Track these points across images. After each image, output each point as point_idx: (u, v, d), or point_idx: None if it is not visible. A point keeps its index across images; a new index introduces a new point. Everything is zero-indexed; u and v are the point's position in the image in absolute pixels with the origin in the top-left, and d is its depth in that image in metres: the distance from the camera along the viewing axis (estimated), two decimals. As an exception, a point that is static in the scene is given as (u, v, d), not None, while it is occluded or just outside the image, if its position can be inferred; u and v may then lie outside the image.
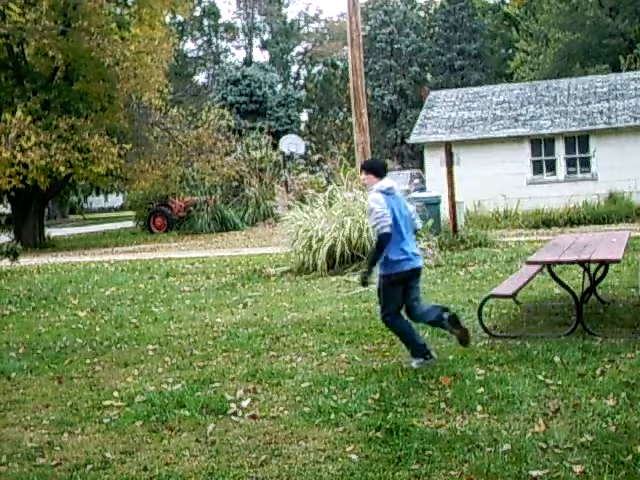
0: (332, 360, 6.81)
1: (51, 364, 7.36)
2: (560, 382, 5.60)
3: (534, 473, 4.10)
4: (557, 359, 6.18)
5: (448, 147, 16.08)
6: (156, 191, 28.68)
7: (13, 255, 16.10)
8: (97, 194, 47.74)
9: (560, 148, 23.10)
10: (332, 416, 5.20)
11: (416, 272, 6.29)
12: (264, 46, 67.84)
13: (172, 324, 9.17)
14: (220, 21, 66.69)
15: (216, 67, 61.82)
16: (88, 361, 7.41)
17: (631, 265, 10.79)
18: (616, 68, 35.05)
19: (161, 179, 25.71)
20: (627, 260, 10.62)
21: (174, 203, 29.53)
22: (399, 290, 6.20)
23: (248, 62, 61.39)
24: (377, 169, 6.47)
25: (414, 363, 6.25)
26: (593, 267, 8.10)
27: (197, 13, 61.86)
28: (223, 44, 69.11)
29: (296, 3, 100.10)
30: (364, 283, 6.37)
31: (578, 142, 22.96)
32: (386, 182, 6.34)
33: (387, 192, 6.23)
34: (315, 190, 14.80)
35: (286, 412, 5.42)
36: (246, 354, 7.24)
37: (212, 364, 6.95)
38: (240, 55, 70.33)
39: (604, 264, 8.05)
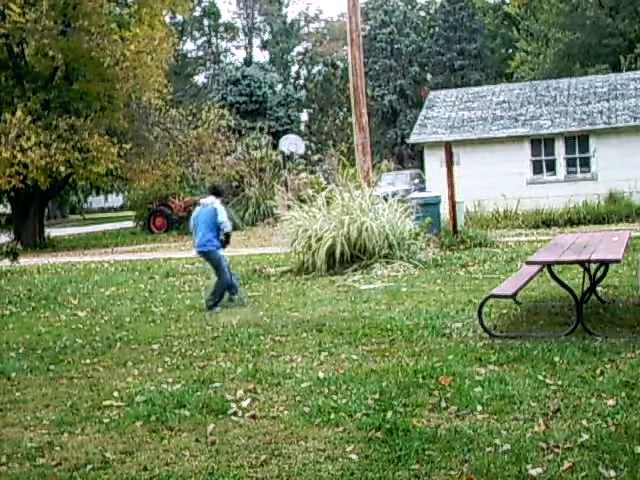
0: (332, 360, 6.80)
1: (51, 364, 7.36)
2: (560, 382, 5.60)
3: (534, 473, 4.10)
4: (557, 359, 6.18)
5: (448, 147, 16.09)
6: (156, 191, 28.71)
7: (13, 255, 16.09)
8: (97, 194, 47.69)
9: (560, 148, 23.10)
10: (332, 416, 5.20)
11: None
12: (264, 46, 67.81)
13: (172, 324, 9.18)
14: (220, 21, 66.64)
15: (216, 67, 61.83)
16: (88, 361, 7.40)
17: (631, 265, 10.78)
18: (616, 68, 35.03)
19: (161, 179, 25.73)
20: (627, 260, 10.62)
21: (174, 203, 29.52)
22: None
23: (248, 62, 61.34)
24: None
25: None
26: (593, 267, 8.10)
27: (197, 13, 61.83)
28: (223, 44, 69.10)
29: (296, 3, 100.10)
30: None
31: (578, 142, 22.95)
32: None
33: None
34: (315, 190, 14.78)
35: (286, 412, 5.42)
36: (246, 354, 7.24)
37: (212, 364, 6.95)
38: (240, 55, 70.34)
39: (604, 264, 8.05)
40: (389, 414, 5.14)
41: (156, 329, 8.90)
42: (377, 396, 5.56)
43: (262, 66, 54.15)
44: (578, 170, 22.96)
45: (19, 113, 21.64)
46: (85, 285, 13.44)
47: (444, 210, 15.88)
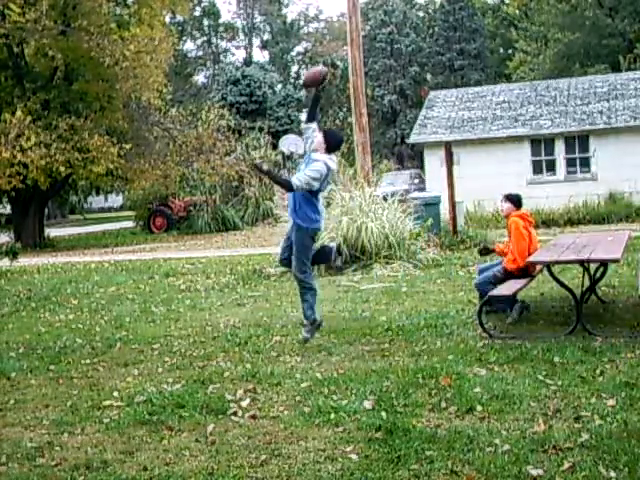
0: (332, 360, 6.80)
1: (51, 364, 7.36)
2: (560, 382, 5.60)
3: (534, 473, 4.10)
4: (557, 359, 6.18)
5: (448, 147, 16.10)
6: (156, 191, 28.70)
7: (13, 255, 16.08)
8: (97, 194, 47.71)
9: (560, 148, 23.11)
10: (332, 416, 5.19)
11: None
12: (264, 46, 67.81)
13: (172, 324, 9.17)
14: (220, 21, 66.65)
15: (216, 67, 61.78)
16: (88, 361, 7.40)
17: (631, 265, 10.79)
18: (616, 68, 35.05)
19: (161, 179, 25.72)
20: (627, 260, 10.62)
21: (174, 203, 29.53)
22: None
23: (248, 62, 61.32)
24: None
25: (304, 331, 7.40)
26: (593, 267, 8.10)
27: (197, 13, 61.84)
28: (223, 44, 69.09)
29: (296, 3, 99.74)
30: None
31: (578, 142, 22.97)
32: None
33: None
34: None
35: (286, 412, 5.41)
36: (246, 354, 7.24)
37: (212, 364, 6.94)
38: (240, 55, 70.26)
39: (603, 264, 8.05)
40: (389, 414, 5.14)
41: (156, 329, 8.90)
42: (377, 396, 5.56)
43: (262, 66, 54.11)
44: (578, 170, 22.98)
45: (19, 113, 21.64)
46: (85, 285, 13.44)
47: (444, 210, 15.87)
